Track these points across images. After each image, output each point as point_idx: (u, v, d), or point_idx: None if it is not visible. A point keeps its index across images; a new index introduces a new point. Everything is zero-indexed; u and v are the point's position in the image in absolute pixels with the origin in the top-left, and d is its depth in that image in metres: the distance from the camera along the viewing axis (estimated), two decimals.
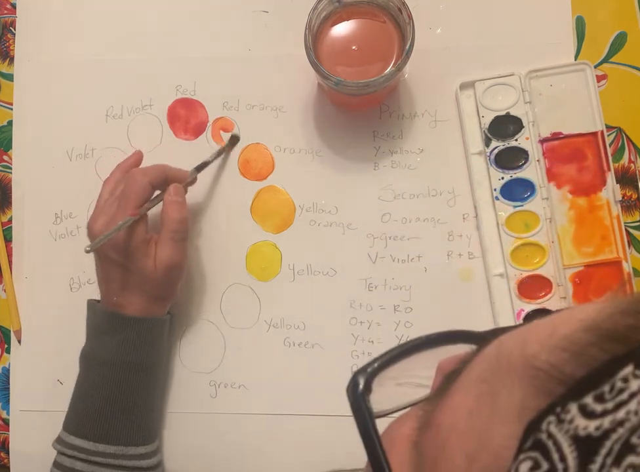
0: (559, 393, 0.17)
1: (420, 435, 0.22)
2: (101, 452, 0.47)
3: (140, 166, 0.53)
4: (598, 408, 0.15)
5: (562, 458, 0.15)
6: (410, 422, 0.23)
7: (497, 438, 0.17)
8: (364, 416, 0.22)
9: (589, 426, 0.15)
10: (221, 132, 0.56)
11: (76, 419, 0.49)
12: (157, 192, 0.50)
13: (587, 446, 0.15)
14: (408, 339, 0.24)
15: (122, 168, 0.52)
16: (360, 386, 0.23)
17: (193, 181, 0.53)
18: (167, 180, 0.50)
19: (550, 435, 0.16)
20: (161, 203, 0.49)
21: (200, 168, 0.53)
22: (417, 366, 0.24)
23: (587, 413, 0.16)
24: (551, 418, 0.16)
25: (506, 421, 0.17)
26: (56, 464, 0.49)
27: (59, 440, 0.49)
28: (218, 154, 0.54)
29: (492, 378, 0.19)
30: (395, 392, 0.25)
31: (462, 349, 0.23)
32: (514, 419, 0.17)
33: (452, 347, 0.24)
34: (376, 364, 0.23)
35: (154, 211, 0.50)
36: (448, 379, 0.22)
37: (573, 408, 0.16)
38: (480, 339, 0.23)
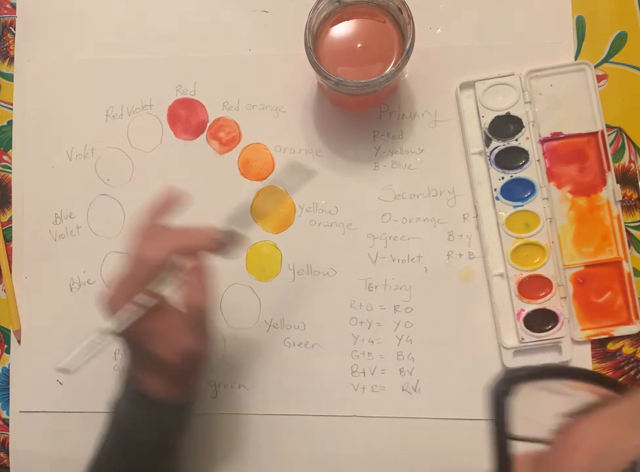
0: None
1: (542, 455, 0.24)
2: None
3: (170, 200, 0.45)
4: None
5: None
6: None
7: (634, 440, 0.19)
8: (502, 419, 0.25)
9: None
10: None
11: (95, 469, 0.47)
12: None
13: None
14: (559, 364, 0.26)
15: (153, 214, 0.44)
16: (504, 388, 0.24)
17: (222, 245, 0.44)
18: (190, 249, 0.43)
19: None
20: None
21: (224, 236, 0.45)
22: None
23: None
24: None
25: None
26: None
27: None
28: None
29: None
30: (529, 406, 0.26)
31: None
32: None
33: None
34: (524, 373, 0.25)
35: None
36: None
37: None
38: (621, 388, 0.25)
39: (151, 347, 0.42)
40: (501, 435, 0.22)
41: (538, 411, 0.27)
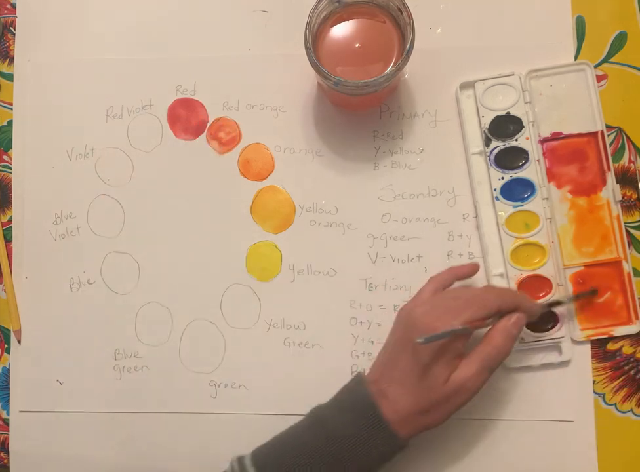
0: None
1: None
2: None
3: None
4: None
5: None
6: None
7: None
8: None
9: None
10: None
11: (267, 459, 0.46)
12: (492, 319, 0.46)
13: None
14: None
15: (453, 273, 0.49)
16: None
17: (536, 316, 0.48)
18: (517, 309, 0.46)
19: None
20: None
21: (552, 305, 0.50)
22: None
23: None
24: None
25: None
26: None
27: (240, 461, 0.46)
28: (575, 298, 0.51)
29: None
30: None
31: None
32: None
33: None
34: None
35: None
36: None
37: None
38: None
39: (428, 364, 0.43)
40: None
41: None
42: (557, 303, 0.50)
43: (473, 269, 0.50)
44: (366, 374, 0.48)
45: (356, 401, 0.46)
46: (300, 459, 0.45)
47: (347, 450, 0.44)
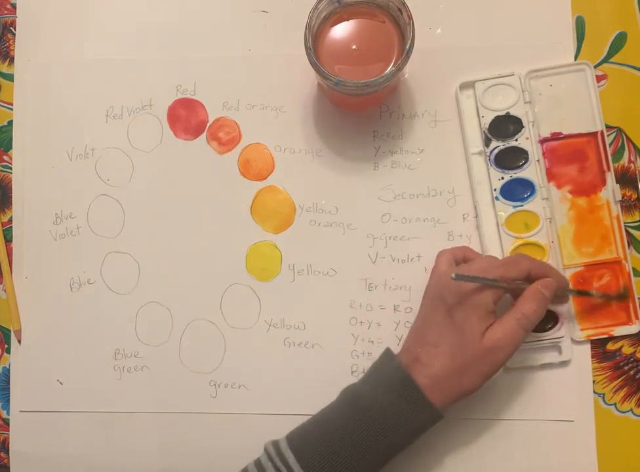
0: None
1: None
2: None
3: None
4: None
5: None
6: None
7: None
8: None
9: None
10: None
11: (304, 441, 0.46)
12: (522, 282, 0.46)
13: None
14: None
15: (464, 249, 0.51)
16: None
17: (566, 294, 0.49)
18: (546, 276, 0.46)
19: None
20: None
21: (580, 292, 0.51)
22: None
23: None
24: None
25: None
26: (257, 463, 0.46)
27: (275, 444, 0.46)
28: (605, 297, 0.52)
29: None
30: None
31: None
32: None
33: None
34: None
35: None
36: None
37: None
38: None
39: (461, 319, 0.44)
40: None
41: None
42: (585, 293, 0.51)
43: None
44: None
45: (388, 372, 0.46)
46: (338, 438, 0.44)
47: (385, 424, 0.44)
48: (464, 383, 0.44)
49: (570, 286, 0.51)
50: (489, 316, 0.44)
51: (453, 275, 0.43)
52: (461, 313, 0.44)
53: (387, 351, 0.47)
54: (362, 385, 0.47)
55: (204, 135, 0.56)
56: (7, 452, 0.56)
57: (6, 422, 0.56)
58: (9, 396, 0.56)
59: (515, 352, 0.44)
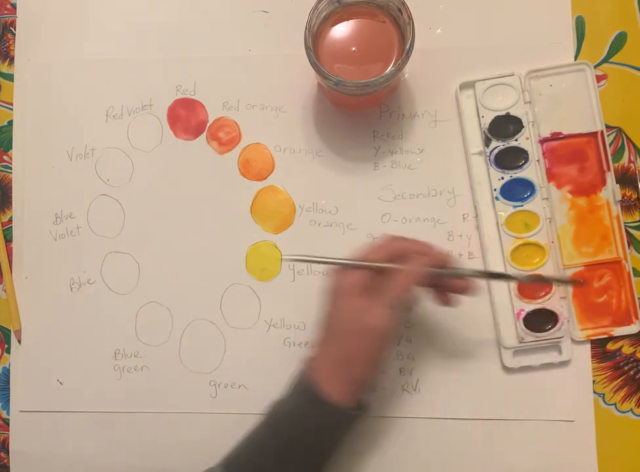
0: None
1: None
2: None
3: None
4: None
5: None
6: None
7: None
8: None
9: None
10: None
11: (238, 461, 0.46)
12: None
13: None
14: None
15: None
16: None
17: (465, 285, 0.46)
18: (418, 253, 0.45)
19: None
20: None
21: (493, 276, 0.50)
22: None
23: None
24: None
25: None
26: None
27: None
28: (556, 280, 0.51)
29: None
30: None
31: None
32: None
33: None
34: None
35: None
36: None
37: None
38: None
39: (337, 308, 0.44)
40: None
41: None
42: (537, 278, 0.49)
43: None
44: None
45: (293, 379, 0.46)
46: (254, 453, 0.45)
47: (291, 428, 0.44)
48: (354, 371, 0.43)
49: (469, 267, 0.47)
50: (360, 300, 0.43)
51: (284, 256, 0.42)
52: (333, 303, 0.44)
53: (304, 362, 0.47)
54: (278, 400, 0.47)
55: (204, 135, 0.56)
56: (7, 452, 0.56)
57: (6, 422, 0.56)
58: (9, 396, 0.56)
59: (393, 333, 0.44)
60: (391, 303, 0.43)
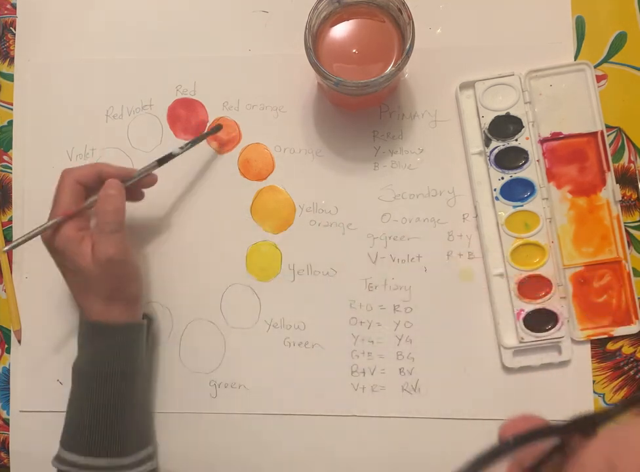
0: None
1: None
2: (91, 465, 0.47)
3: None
4: None
5: None
6: None
7: None
8: None
9: None
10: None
11: (67, 434, 0.49)
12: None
13: None
14: (497, 445, 0.23)
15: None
16: None
17: (149, 178, 0.51)
18: (101, 179, 0.48)
19: None
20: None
21: (164, 160, 0.51)
22: None
23: None
24: None
25: None
26: None
27: (57, 457, 0.49)
28: (191, 144, 0.53)
29: None
30: None
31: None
32: None
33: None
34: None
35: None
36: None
37: None
38: (563, 431, 0.23)
39: (69, 264, 0.47)
40: None
41: None
42: (169, 156, 0.52)
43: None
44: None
45: (81, 333, 0.50)
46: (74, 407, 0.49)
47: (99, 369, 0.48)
48: (124, 300, 0.49)
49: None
50: (82, 244, 0.46)
51: (5, 248, 0.46)
52: (65, 260, 0.47)
53: (79, 317, 0.51)
54: (76, 359, 0.50)
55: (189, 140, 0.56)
56: (7, 452, 0.56)
57: (6, 422, 0.56)
58: (9, 396, 0.56)
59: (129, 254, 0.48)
60: (103, 227, 0.46)
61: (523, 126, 0.53)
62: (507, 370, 0.52)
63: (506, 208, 0.53)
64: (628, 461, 0.19)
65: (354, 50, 0.49)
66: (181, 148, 0.52)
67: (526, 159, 0.53)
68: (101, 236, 0.46)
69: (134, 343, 0.49)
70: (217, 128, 0.55)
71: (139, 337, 0.50)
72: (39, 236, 0.56)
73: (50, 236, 0.47)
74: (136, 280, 0.50)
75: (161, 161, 0.51)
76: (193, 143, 0.53)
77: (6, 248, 0.45)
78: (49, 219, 0.47)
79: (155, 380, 0.55)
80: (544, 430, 0.23)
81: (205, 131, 0.55)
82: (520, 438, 0.23)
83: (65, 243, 0.46)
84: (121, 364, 0.48)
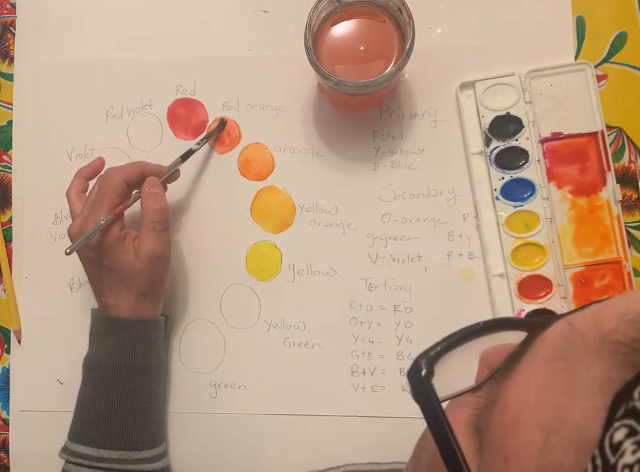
0: None
1: (480, 419, 0.22)
2: (105, 457, 0.47)
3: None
4: None
5: None
6: (464, 410, 0.23)
7: (579, 411, 0.18)
8: (430, 400, 0.22)
9: None
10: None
11: (79, 427, 0.49)
12: (136, 191, 0.50)
13: None
14: (467, 326, 0.24)
15: (82, 174, 0.51)
16: (424, 370, 0.22)
17: (175, 173, 0.53)
18: (144, 176, 0.49)
19: None
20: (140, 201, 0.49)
21: (186, 156, 0.53)
22: (459, 357, 0.24)
23: None
24: None
25: (587, 394, 0.18)
26: None
27: (64, 449, 0.49)
28: (206, 139, 0.54)
29: (565, 355, 0.19)
30: (449, 378, 0.24)
31: (503, 339, 0.24)
32: (596, 392, 0.18)
33: (495, 337, 0.25)
34: (439, 348, 0.23)
35: (133, 210, 0.50)
36: (507, 362, 0.22)
37: None
38: (533, 326, 0.23)
39: (111, 263, 0.47)
40: (439, 424, 0.21)
41: (463, 377, 0.25)
42: (189, 152, 0.53)
43: (98, 163, 0.52)
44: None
45: (99, 329, 0.50)
46: (87, 404, 0.49)
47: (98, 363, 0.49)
48: (155, 296, 0.50)
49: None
50: (126, 242, 0.47)
51: (67, 250, 0.45)
52: (108, 258, 0.47)
53: (92, 313, 0.51)
54: (88, 353, 0.51)
55: (204, 135, 0.56)
56: (7, 452, 0.56)
57: (6, 422, 0.56)
58: (9, 396, 0.56)
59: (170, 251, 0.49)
60: (153, 227, 0.47)
61: (523, 126, 0.53)
62: None
63: (506, 208, 0.53)
64: (582, 315, 0.20)
65: (354, 50, 0.49)
66: (198, 144, 0.54)
67: (527, 159, 0.53)
68: (150, 234, 0.47)
69: (157, 338, 0.50)
70: (223, 122, 0.55)
71: (160, 332, 0.51)
72: (37, 237, 0.57)
73: (99, 234, 0.47)
74: (169, 275, 0.51)
75: (184, 157, 0.53)
76: (207, 138, 0.54)
77: (69, 249, 0.45)
78: (87, 217, 0.47)
79: None
80: (513, 320, 0.24)
81: (210, 130, 0.56)
82: (489, 322, 0.24)
83: (113, 241, 0.47)
84: (145, 358, 0.49)
